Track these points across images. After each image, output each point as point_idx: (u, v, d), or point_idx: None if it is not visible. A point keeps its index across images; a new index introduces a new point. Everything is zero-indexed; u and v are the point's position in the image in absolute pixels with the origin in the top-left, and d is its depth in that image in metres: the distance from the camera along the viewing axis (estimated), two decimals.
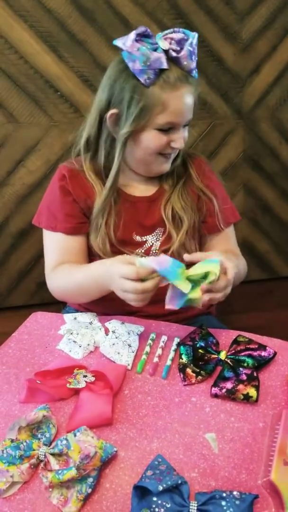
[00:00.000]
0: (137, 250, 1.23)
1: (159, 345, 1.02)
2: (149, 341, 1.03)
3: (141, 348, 1.02)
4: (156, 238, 1.25)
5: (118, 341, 1.01)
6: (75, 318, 1.08)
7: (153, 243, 1.25)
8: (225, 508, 0.70)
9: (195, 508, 0.70)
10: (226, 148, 1.96)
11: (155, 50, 1.04)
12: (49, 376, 0.91)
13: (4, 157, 1.77)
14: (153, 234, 1.25)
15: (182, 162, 1.27)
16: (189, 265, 0.95)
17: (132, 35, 1.03)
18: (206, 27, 1.77)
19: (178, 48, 1.05)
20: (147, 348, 1.01)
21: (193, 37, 1.06)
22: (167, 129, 1.12)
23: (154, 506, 0.70)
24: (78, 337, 1.02)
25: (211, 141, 1.91)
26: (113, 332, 1.04)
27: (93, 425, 0.82)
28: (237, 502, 0.71)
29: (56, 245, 1.24)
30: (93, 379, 0.90)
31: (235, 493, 0.72)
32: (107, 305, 1.14)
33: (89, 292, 1.12)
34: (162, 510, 0.70)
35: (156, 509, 0.70)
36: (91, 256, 1.25)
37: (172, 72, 1.06)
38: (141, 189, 1.26)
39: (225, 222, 1.29)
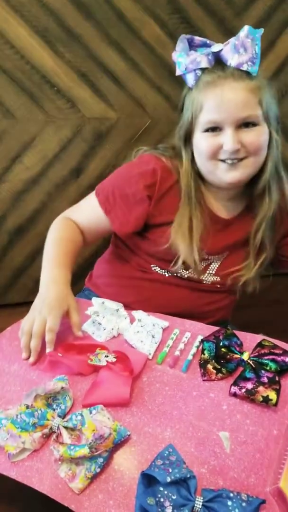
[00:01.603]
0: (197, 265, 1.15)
1: (181, 340, 1.01)
2: (172, 335, 1.03)
3: (163, 342, 1.01)
4: (219, 259, 1.19)
5: (143, 330, 1.01)
6: (103, 303, 1.07)
7: (212, 262, 1.19)
8: (230, 508, 0.70)
9: (201, 503, 0.70)
10: None
11: (204, 54, 1.02)
12: (72, 350, 0.92)
13: (0, 153, 1.76)
14: (219, 256, 1.19)
15: (277, 175, 1.12)
16: None
17: (179, 43, 1.03)
18: (203, 22, 1.75)
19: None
20: (170, 342, 1.01)
21: (244, 30, 0.99)
22: (213, 130, 1.03)
23: (159, 496, 0.70)
24: (104, 320, 1.02)
25: None
26: (139, 320, 1.04)
27: (110, 403, 0.83)
28: (244, 504, 0.71)
29: (91, 216, 1.19)
30: (114, 360, 0.90)
31: (242, 495, 0.71)
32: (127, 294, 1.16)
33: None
34: (168, 501, 0.70)
35: (162, 500, 0.70)
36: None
37: (213, 70, 1.02)
38: (223, 211, 1.17)
39: None
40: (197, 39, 1.05)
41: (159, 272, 1.20)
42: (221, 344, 0.96)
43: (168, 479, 0.70)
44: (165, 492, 0.70)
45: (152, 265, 1.20)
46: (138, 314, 1.06)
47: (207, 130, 1.04)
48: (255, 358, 0.93)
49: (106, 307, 1.05)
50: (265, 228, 1.15)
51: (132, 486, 0.74)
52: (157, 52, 1.70)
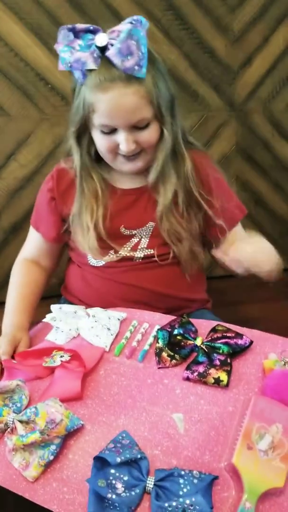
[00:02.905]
0: (124, 246, 1.19)
1: (139, 331, 1.03)
2: (131, 327, 1.04)
3: (121, 334, 1.03)
4: (146, 233, 1.20)
5: (97, 325, 1.02)
6: (60, 308, 1.09)
7: (141, 238, 1.20)
8: (182, 486, 0.71)
9: (152, 483, 0.71)
10: (219, 141, 1.94)
11: (89, 47, 0.98)
12: (29, 357, 0.95)
13: None
14: (142, 228, 1.19)
15: (174, 161, 1.15)
16: None
17: (61, 32, 0.99)
18: (197, 19, 1.76)
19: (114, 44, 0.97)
20: (127, 334, 1.02)
21: (127, 31, 0.94)
22: (109, 131, 1.06)
23: (111, 478, 0.71)
24: (61, 323, 1.04)
25: (204, 133, 1.90)
26: (93, 316, 1.05)
27: (64, 398, 0.84)
28: (195, 481, 0.71)
29: (34, 242, 1.30)
30: (68, 358, 0.91)
31: (194, 472, 0.72)
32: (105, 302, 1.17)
33: None
34: (119, 482, 0.71)
35: (113, 481, 0.70)
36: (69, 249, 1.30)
37: (100, 72, 0.99)
38: (127, 183, 1.20)
39: (233, 221, 1.24)
40: (79, 26, 0.99)
41: (92, 264, 1.23)
42: (175, 332, 0.98)
43: (118, 460, 0.72)
44: (116, 474, 0.71)
45: (87, 257, 1.23)
46: (93, 310, 1.08)
47: (102, 131, 1.07)
48: (208, 343, 0.95)
49: (64, 311, 1.08)
50: (169, 216, 1.16)
51: (86, 473, 0.74)
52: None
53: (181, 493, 0.70)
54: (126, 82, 0.99)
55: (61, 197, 1.22)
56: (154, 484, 0.71)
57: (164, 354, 0.94)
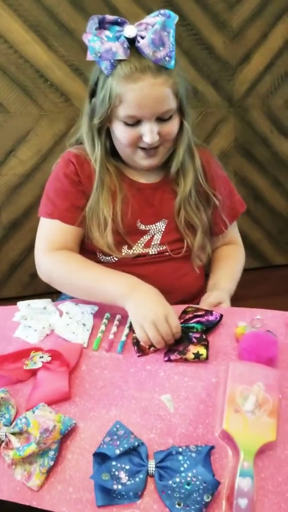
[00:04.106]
0: (137, 243, 1.20)
1: (113, 323, 1.04)
2: (104, 320, 1.05)
3: (96, 327, 1.03)
4: (159, 229, 1.22)
5: (72, 322, 1.02)
6: (29, 305, 1.08)
7: (154, 234, 1.22)
8: (182, 462, 0.73)
9: (154, 465, 0.73)
10: (218, 137, 1.97)
11: (118, 38, 0.99)
12: (6, 361, 0.91)
13: None
14: (156, 225, 1.22)
15: (190, 154, 1.19)
16: None
17: (90, 22, 0.99)
18: (195, 16, 1.78)
19: (144, 35, 0.98)
20: (102, 327, 1.03)
21: (161, 23, 0.98)
22: (133, 123, 1.06)
23: (113, 470, 0.72)
24: (33, 321, 1.03)
25: (203, 129, 1.93)
26: (67, 313, 1.04)
27: (51, 401, 0.84)
28: (193, 454, 0.74)
29: (52, 231, 1.17)
30: (49, 358, 0.91)
31: (191, 447, 0.75)
32: None
33: (90, 295, 1.07)
34: (122, 472, 0.72)
35: (116, 472, 0.72)
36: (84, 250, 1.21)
37: (130, 62, 1.00)
38: (145, 177, 1.22)
39: (234, 215, 1.33)
40: (109, 17, 1.01)
41: (103, 261, 1.21)
42: None
43: (117, 452, 0.73)
44: (118, 465, 0.73)
45: (97, 255, 1.20)
46: (65, 306, 1.07)
47: (126, 123, 1.07)
48: (182, 325, 0.96)
49: (33, 307, 1.06)
50: (186, 206, 1.20)
51: (88, 469, 0.75)
52: None
53: (182, 469, 0.72)
54: (156, 72, 1.01)
55: (87, 181, 1.17)
56: (156, 466, 0.73)
57: (142, 343, 0.95)
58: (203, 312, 0.99)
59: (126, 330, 1.01)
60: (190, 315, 0.99)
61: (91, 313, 1.05)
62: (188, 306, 1.04)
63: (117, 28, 1.00)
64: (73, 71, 1.74)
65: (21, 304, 1.07)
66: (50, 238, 1.16)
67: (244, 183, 2.06)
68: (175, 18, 1.01)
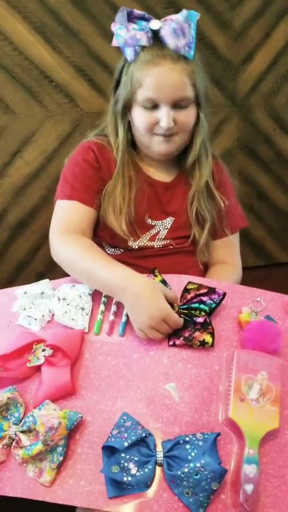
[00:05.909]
0: (144, 235, 1.24)
1: (113, 301, 1.01)
2: (103, 299, 1.02)
3: (95, 308, 1.01)
4: (165, 226, 1.25)
5: (70, 308, 1.00)
6: (25, 292, 1.05)
7: (160, 230, 1.25)
8: (189, 450, 0.76)
9: (162, 455, 0.76)
10: (221, 136, 1.96)
11: (143, 29, 1.07)
12: (10, 358, 0.91)
13: (0, 148, 1.79)
14: (163, 221, 1.25)
15: (205, 150, 1.24)
16: None
17: (119, 14, 1.07)
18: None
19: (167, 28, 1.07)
20: (102, 307, 1.01)
21: (184, 14, 1.07)
22: (151, 107, 1.12)
23: (123, 461, 0.74)
24: (32, 310, 1.02)
25: None
26: (64, 299, 1.02)
27: (57, 397, 0.85)
28: (200, 443, 0.77)
29: (70, 211, 1.17)
30: (51, 352, 0.91)
31: (198, 435, 0.78)
32: None
33: (88, 278, 1.04)
34: (131, 463, 0.74)
35: (126, 464, 0.74)
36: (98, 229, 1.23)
37: (151, 49, 1.08)
38: (159, 174, 1.26)
39: (234, 227, 1.34)
40: (137, 12, 1.09)
41: (110, 253, 1.24)
42: None
43: (126, 444, 0.75)
44: (127, 457, 0.75)
45: (104, 246, 1.24)
46: (62, 291, 1.03)
47: (144, 107, 1.12)
48: (184, 306, 0.96)
49: (30, 294, 1.04)
50: (200, 198, 1.24)
51: (98, 462, 0.78)
52: None
53: (189, 457, 0.75)
54: (176, 59, 1.08)
55: (106, 168, 1.21)
56: (164, 456, 0.75)
57: None
58: (206, 290, 0.97)
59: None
60: (192, 295, 0.97)
61: (89, 294, 1.03)
62: (189, 282, 1.01)
63: (143, 22, 1.09)
64: (78, 72, 1.73)
65: (18, 292, 1.05)
66: (67, 219, 1.17)
67: (247, 182, 2.06)
68: (197, 15, 1.10)
